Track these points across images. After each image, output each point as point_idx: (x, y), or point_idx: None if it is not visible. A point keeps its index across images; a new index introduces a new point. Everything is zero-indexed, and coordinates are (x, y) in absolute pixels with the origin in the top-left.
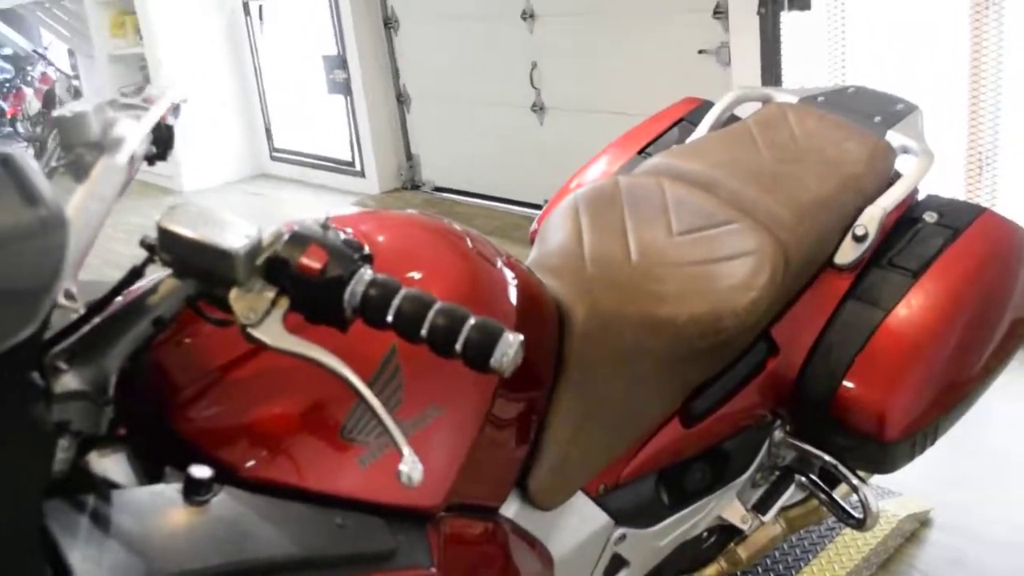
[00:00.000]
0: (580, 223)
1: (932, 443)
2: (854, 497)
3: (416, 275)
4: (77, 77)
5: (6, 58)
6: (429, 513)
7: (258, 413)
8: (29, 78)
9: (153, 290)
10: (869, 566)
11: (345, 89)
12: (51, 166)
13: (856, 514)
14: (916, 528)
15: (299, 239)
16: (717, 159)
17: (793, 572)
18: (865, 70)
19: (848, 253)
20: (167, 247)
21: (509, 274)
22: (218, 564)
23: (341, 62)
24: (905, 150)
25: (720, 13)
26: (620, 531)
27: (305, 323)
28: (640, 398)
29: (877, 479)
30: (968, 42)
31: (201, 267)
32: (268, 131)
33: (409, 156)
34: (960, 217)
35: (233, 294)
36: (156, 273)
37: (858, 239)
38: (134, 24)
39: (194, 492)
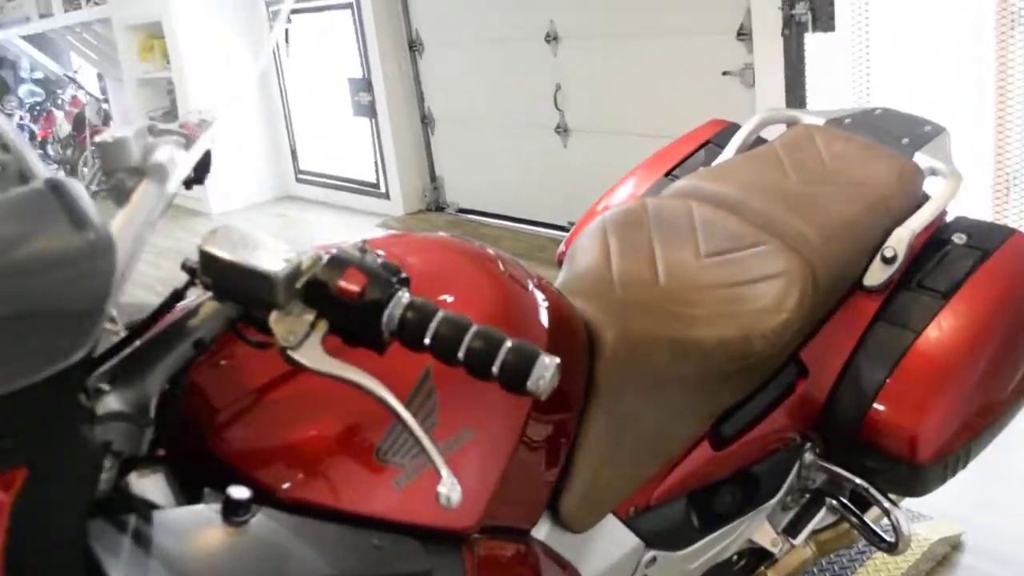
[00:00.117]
0: (608, 245)
1: (964, 466)
2: (885, 520)
3: (450, 298)
4: (106, 100)
5: (37, 82)
6: (463, 535)
7: (295, 435)
8: (59, 101)
9: (194, 312)
10: None
11: (370, 111)
12: (91, 190)
13: (888, 537)
14: (947, 552)
15: (338, 262)
16: (744, 181)
17: None
18: (890, 91)
19: (877, 275)
20: (207, 270)
21: (541, 297)
22: None
23: (366, 84)
24: (933, 172)
25: (744, 35)
26: (651, 554)
27: (342, 345)
28: (670, 421)
29: (906, 502)
30: (994, 62)
31: (241, 290)
32: (294, 153)
33: (433, 178)
34: (989, 238)
35: (273, 317)
36: (196, 296)
37: (887, 261)
38: (162, 48)
39: (233, 513)
